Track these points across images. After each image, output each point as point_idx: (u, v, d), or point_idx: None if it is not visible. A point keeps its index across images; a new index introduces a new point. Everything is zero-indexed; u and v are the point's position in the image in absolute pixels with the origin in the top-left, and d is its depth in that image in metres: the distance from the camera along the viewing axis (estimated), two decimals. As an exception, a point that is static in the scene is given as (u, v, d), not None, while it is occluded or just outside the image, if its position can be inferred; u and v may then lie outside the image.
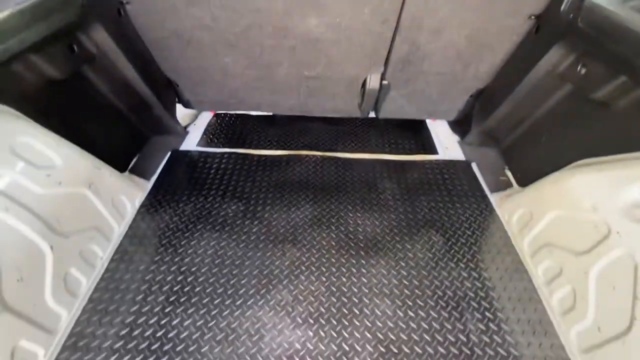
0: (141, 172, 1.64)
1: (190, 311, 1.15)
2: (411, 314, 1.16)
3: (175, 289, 1.20)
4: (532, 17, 1.30)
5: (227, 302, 1.17)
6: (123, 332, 1.09)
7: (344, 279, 1.25)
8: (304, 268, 1.29)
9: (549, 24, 1.25)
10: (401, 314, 1.16)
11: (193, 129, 1.98)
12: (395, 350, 1.07)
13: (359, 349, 1.08)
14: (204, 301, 1.17)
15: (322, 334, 1.11)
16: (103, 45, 1.28)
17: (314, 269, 1.28)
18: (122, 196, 1.38)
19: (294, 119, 2.07)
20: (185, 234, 1.39)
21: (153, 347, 1.06)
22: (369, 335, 1.11)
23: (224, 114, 2.11)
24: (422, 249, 1.37)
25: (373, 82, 1.64)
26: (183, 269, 1.27)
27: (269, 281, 1.24)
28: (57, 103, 1.20)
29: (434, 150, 1.89)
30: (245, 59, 1.52)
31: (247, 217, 1.47)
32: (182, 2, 1.28)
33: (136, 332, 1.09)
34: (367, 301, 1.19)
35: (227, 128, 2.01)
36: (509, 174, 1.70)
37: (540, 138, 1.49)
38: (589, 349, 1.01)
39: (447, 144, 1.93)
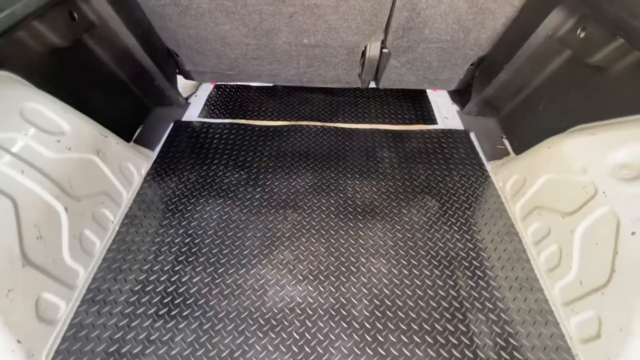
0: (145, 142, 1.69)
1: (198, 269, 1.23)
2: (405, 271, 1.23)
3: (183, 249, 1.28)
4: (534, -21, 1.27)
5: (232, 261, 1.25)
6: (136, 287, 1.17)
7: (342, 240, 1.32)
8: (304, 230, 1.35)
9: (550, -14, 1.23)
10: (395, 271, 1.24)
11: (194, 100, 2.00)
12: (389, 303, 1.15)
13: (356, 302, 1.16)
14: (211, 260, 1.25)
15: (321, 288, 1.19)
16: (102, 13, 1.29)
17: (314, 231, 1.35)
18: (129, 164, 1.43)
19: (294, 90, 2.07)
20: (190, 200, 1.45)
21: (165, 301, 1.14)
22: (365, 290, 1.19)
23: (224, 85, 2.12)
24: (417, 213, 1.42)
25: (373, 50, 1.64)
26: (190, 231, 1.34)
27: (271, 242, 1.31)
28: (61, 72, 1.22)
29: (433, 121, 1.90)
30: (244, 27, 1.52)
31: (249, 184, 1.52)
32: (179, -33, 1.27)
33: (148, 288, 1.17)
34: (363, 260, 1.27)
35: (227, 99, 2.03)
36: (507, 142, 1.73)
37: (537, 106, 1.50)
38: (570, 302, 1.08)
39: (446, 114, 1.94)
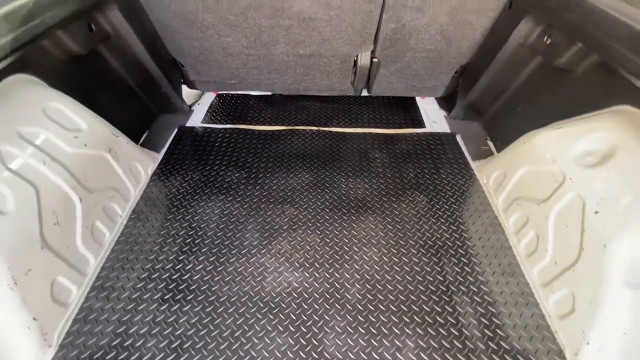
0: (151, 145, 1.79)
1: (200, 259, 1.31)
2: (395, 259, 1.32)
3: (187, 241, 1.36)
4: (506, -5, 1.43)
5: (233, 252, 1.33)
6: (143, 275, 1.25)
7: (336, 232, 1.41)
8: (300, 224, 1.44)
9: (519, 0, 1.38)
10: (386, 259, 1.32)
11: (197, 107, 2.13)
12: (380, 287, 1.23)
13: (349, 286, 1.23)
14: (213, 250, 1.33)
15: (316, 275, 1.27)
16: (117, 25, 1.42)
17: (309, 224, 1.44)
18: (137, 163, 1.53)
19: (292, 98, 2.21)
20: (194, 197, 1.54)
21: (170, 287, 1.22)
22: (357, 276, 1.27)
23: (225, 94, 2.25)
24: (406, 207, 1.52)
25: (364, 60, 1.78)
26: (193, 225, 1.42)
27: (269, 234, 1.40)
28: (78, 77, 1.34)
29: (422, 125, 2.03)
30: (245, 39, 1.66)
31: (249, 182, 1.62)
32: (187, -15, 1.42)
33: (154, 275, 1.25)
34: (356, 249, 1.35)
35: (228, 107, 2.15)
36: (490, 143, 1.85)
37: (516, 107, 1.63)
38: (547, 283, 1.16)
39: (434, 119, 2.07)
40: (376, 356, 1.06)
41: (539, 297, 1.18)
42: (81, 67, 1.35)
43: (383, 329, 1.12)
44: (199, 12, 1.53)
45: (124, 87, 1.66)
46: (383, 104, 2.20)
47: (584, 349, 0.98)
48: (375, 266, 1.30)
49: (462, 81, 1.90)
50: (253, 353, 1.06)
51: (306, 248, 1.35)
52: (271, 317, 1.15)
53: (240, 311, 1.16)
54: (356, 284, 1.24)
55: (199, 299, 1.19)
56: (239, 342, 1.08)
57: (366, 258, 1.32)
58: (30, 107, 1.08)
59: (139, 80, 1.72)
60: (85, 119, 1.23)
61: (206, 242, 1.37)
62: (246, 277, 1.26)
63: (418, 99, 2.24)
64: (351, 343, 1.09)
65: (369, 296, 1.21)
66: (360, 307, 1.18)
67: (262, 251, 1.34)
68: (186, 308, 1.16)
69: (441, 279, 1.26)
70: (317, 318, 1.15)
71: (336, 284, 1.24)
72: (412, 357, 1.06)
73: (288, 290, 1.22)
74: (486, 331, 1.12)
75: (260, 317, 1.15)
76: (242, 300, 1.19)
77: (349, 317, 1.15)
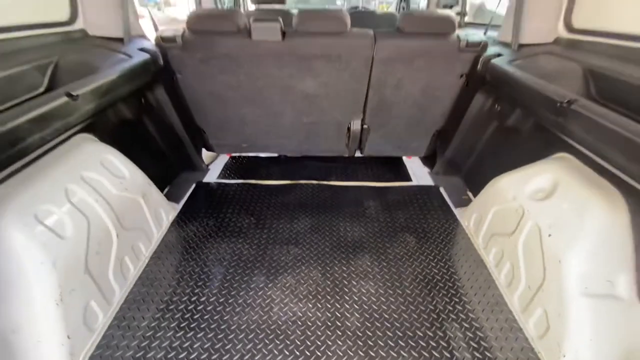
0: (172, 197, 2.04)
1: (213, 292, 1.44)
2: (390, 291, 1.46)
3: (201, 277, 1.51)
4: (462, 76, 1.85)
5: (243, 285, 1.48)
6: (161, 306, 1.37)
7: (336, 268, 1.57)
8: (304, 261, 1.61)
9: (473, 79, 1.80)
10: (382, 291, 1.46)
11: (213, 166, 2.44)
12: (377, 316, 1.35)
13: (348, 315, 1.36)
14: (225, 285, 1.48)
15: (319, 305, 1.39)
16: (160, 100, 1.81)
17: (312, 261, 1.61)
18: (161, 210, 1.76)
19: (295, 159, 2.54)
20: (208, 240, 1.73)
21: (185, 316, 1.34)
22: (356, 306, 1.40)
23: (238, 155, 2.60)
24: (398, 247, 1.70)
25: (355, 126, 2.15)
26: (207, 263, 1.59)
27: (276, 270, 1.55)
28: (126, 137, 1.66)
29: (409, 179, 2.32)
30: (259, 110, 2.05)
31: (258, 227, 1.83)
32: (217, 71, 1.85)
33: (171, 307, 1.37)
34: (354, 283, 1.50)
35: (240, 166, 2.47)
36: (470, 194, 2.11)
37: (485, 162, 1.94)
38: (526, 307, 1.30)
39: (420, 175, 2.37)
40: (375, 376, 1.14)
41: (521, 321, 1.30)
42: (128, 129, 1.68)
43: (380, 352, 1.22)
44: (224, 91, 1.94)
45: (157, 147, 1.99)
46: (374, 162, 2.53)
47: (562, 361, 1.08)
48: (372, 297, 1.43)
49: (439, 143, 2.26)
50: (261, 374, 1.14)
51: (309, 282, 1.50)
52: (278, 342, 1.25)
53: (250, 337, 1.26)
54: (355, 313, 1.37)
55: (212, 327, 1.30)
56: (248, 365, 1.17)
57: (363, 290, 1.46)
58: (91, 158, 1.36)
59: (169, 142, 2.06)
60: (128, 169, 1.51)
61: (218, 277, 1.52)
62: (255, 308, 1.38)
63: (405, 157, 2.58)
64: (352, 365, 1.18)
65: (367, 324, 1.32)
66: (359, 333, 1.29)
67: (269, 285, 1.48)
68: (200, 335, 1.27)
69: (432, 307, 1.39)
70: (319, 343, 1.25)
71: (337, 313, 1.36)
72: (409, 376, 1.14)
73: (293, 319, 1.34)
74: (476, 354, 1.21)
75: (267, 342, 1.25)
76: (251, 327, 1.30)
77: (349, 342, 1.25)
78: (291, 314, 1.36)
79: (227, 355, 1.20)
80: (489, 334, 1.28)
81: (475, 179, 2.07)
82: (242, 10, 3.52)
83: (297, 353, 1.21)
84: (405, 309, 1.38)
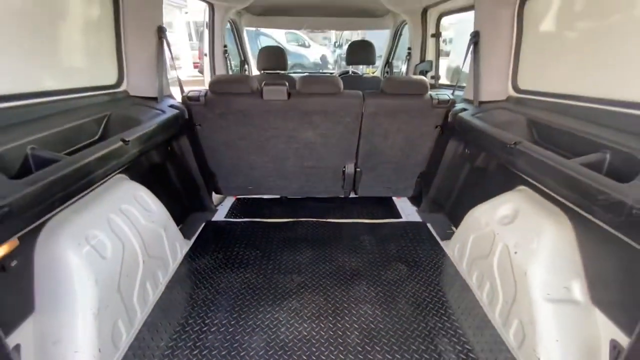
0: (184, 235, 2.23)
1: (225, 315, 1.58)
2: (385, 312, 1.61)
3: (214, 302, 1.66)
4: (438, 126, 2.21)
5: (252, 309, 1.62)
6: (177, 328, 1.50)
7: (337, 292, 1.73)
8: (307, 287, 1.77)
9: (446, 128, 2.16)
10: (378, 312, 1.62)
11: (221, 207, 2.67)
12: (375, 334, 1.50)
13: (348, 334, 1.50)
14: (235, 309, 1.62)
15: (322, 325, 1.54)
16: (183, 148, 2.11)
17: (314, 288, 1.77)
18: (177, 243, 1.95)
19: (296, 200, 2.79)
20: (219, 270, 1.89)
21: (200, 337, 1.46)
22: (355, 326, 1.54)
23: (243, 197, 2.84)
24: (392, 274, 1.89)
25: (349, 169, 2.46)
26: (219, 290, 1.74)
27: (282, 296, 1.71)
28: (152, 178, 1.91)
29: (399, 216, 2.57)
30: (265, 156, 2.35)
31: (263, 259, 2.01)
32: (232, 123, 2.18)
33: (187, 328, 1.50)
34: (353, 305, 1.65)
35: (245, 207, 2.70)
36: (453, 228, 2.35)
37: (463, 198, 2.21)
38: (505, 320, 1.47)
39: (408, 213, 2.63)
40: (375, 384, 1.26)
41: (503, 334, 1.46)
42: (155, 172, 1.94)
43: (379, 364, 1.35)
44: (237, 140, 2.26)
45: (175, 189, 2.24)
46: (367, 202, 2.79)
47: (537, 364, 1.24)
48: (369, 318, 1.58)
49: (423, 184, 2.56)
50: (271, 385, 1.25)
51: (312, 305, 1.65)
52: (286, 358, 1.38)
53: (260, 354, 1.39)
54: (354, 332, 1.51)
55: (224, 345, 1.42)
56: (259, 377, 1.28)
57: (361, 312, 1.62)
58: (127, 194, 1.60)
59: (186, 185, 2.31)
60: (155, 204, 1.74)
61: (230, 302, 1.66)
62: (263, 329, 1.52)
63: (394, 198, 2.85)
64: (353, 375, 1.30)
65: (366, 340, 1.46)
66: (359, 349, 1.42)
67: (276, 308, 1.63)
68: (214, 352, 1.39)
69: (424, 325, 1.54)
70: (323, 358, 1.38)
71: (338, 332, 1.51)
72: (405, 384, 1.26)
73: (299, 337, 1.48)
74: (464, 363, 1.35)
75: (277, 358, 1.37)
76: (261, 346, 1.43)
77: (350, 357, 1.39)
78: (297, 333, 1.49)
79: (240, 370, 1.32)
80: (475, 347, 1.42)
81: (457, 214, 2.33)
82: (247, 73, 4.07)
83: (304, 367, 1.34)
84: (400, 327, 1.53)
